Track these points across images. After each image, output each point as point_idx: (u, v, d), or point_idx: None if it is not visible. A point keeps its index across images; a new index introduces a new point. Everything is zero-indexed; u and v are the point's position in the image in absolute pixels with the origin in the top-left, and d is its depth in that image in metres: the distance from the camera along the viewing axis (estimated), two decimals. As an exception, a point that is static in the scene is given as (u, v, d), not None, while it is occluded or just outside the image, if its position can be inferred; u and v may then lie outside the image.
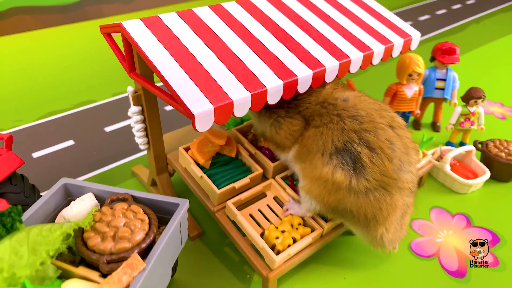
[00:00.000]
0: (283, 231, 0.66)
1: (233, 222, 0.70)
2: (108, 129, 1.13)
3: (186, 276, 0.70)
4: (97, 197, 0.61)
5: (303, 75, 0.65)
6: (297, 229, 0.67)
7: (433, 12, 2.14)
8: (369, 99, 0.69)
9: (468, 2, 2.31)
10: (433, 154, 0.94)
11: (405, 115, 1.02)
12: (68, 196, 0.63)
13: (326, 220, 0.69)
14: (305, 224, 0.69)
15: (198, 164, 0.75)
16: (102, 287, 0.46)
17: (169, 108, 1.22)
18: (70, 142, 1.07)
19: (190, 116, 0.54)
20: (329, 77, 0.70)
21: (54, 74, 1.44)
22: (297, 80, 0.64)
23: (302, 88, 0.66)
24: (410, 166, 0.61)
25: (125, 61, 0.71)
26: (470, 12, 2.13)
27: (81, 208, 0.57)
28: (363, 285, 0.69)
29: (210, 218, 0.82)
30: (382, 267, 0.72)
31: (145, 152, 1.03)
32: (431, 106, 1.15)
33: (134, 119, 0.73)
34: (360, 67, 0.75)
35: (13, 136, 1.07)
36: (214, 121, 0.57)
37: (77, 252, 0.53)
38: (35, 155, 1.01)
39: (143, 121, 0.74)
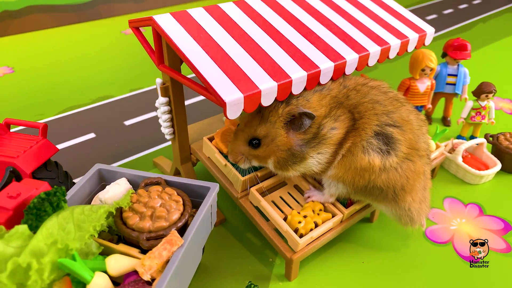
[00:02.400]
0: (305, 216, 0.69)
1: (256, 208, 0.73)
2: (127, 122, 1.16)
3: (211, 260, 0.73)
4: (130, 182, 0.64)
5: (326, 67, 0.68)
6: (318, 214, 0.70)
7: (440, 11, 2.17)
8: (375, 82, 0.73)
9: (475, 2, 2.34)
10: (445, 146, 0.97)
11: (417, 109, 1.05)
12: (102, 181, 0.67)
13: (345, 207, 0.73)
14: (325, 210, 0.72)
15: (221, 153, 0.78)
16: (143, 261, 0.49)
17: (188, 102, 1.26)
18: (91, 135, 1.10)
19: (222, 104, 0.58)
20: (349, 70, 0.73)
21: (69, 71, 1.48)
22: (319, 71, 0.67)
23: (324, 79, 0.69)
24: (423, 137, 0.68)
25: (154, 54, 0.74)
26: (476, 12, 2.16)
27: (117, 191, 0.61)
28: (381, 268, 0.72)
29: (231, 206, 0.85)
30: (398, 252, 0.75)
31: (164, 144, 1.06)
32: (441, 101, 1.18)
33: (161, 109, 0.76)
34: (378, 61, 0.78)
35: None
36: (243, 109, 0.60)
37: (117, 231, 0.56)
38: (59, 147, 1.04)
39: (170, 112, 0.78)
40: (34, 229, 0.50)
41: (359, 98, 0.68)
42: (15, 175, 0.59)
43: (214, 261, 0.73)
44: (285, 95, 0.64)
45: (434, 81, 1.02)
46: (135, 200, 0.57)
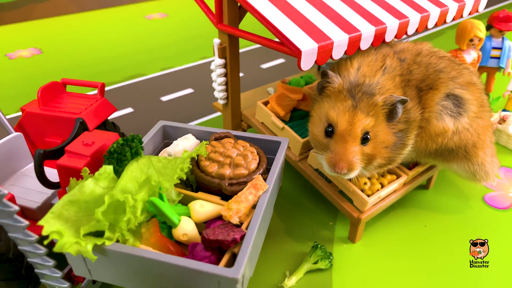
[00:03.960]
0: (369, 178, 0.68)
1: (317, 171, 0.72)
2: (164, 98, 1.15)
3: (271, 226, 0.71)
4: (196, 138, 0.63)
5: (391, 24, 0.66)
6: (382, 176, 0.69)
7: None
8: (424, 45, 0.71)
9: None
10: (493, 118, 0.96)
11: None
12: (165, 139, 0.65)
13: (409, 168, 0.71)
14: (389, 172, 0.71)
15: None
16: (230, 205, 0.48)
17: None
18: (129, 109, 1.09)
19: (297, 54, 0.56)
20: (411, 29, 0.71)
21: (97, 53, 1.46)
22: (386, 28, 0.66)
23: (388, 37, 0.68)
24: (484, 93, 0.69)
25: (211, 14, 0.73)
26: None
27: (187, 144, 0.59)
28: (444, 232, 0.71)
29: (284, 172, 0.84)
30: (460, 216, 0.74)
31: (205, 118, 1.05)
32: (483, 77, 1.17)
33: (217, 72, 0.75)
34: (436, 24, 0.77)
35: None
36: (315, 61, 0.59)
37: (193, 181, 0.55)
38: (99, 120, 1.03)
39: (225, 75, 0.76)
40: (115, 173, 0.49)
41: (423, 72, 0.65)
42: (84, 128, 0.57)
43: (274, 227, 0.71)
44: (354, 49, 0.63)
45: (480, 53, 1.00)
46: (210, 150, 0.55)
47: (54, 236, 0.40)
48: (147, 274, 0.43)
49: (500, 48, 1.04)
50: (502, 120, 0.94)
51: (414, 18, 0.70)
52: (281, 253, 0.66)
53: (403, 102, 0.58)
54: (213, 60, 0.75)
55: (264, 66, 1.35)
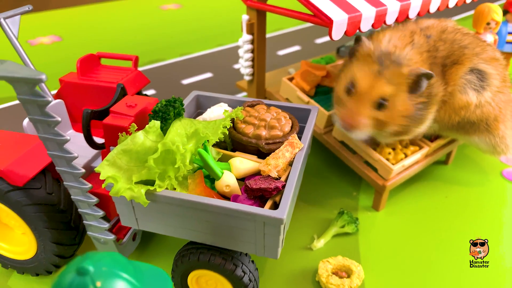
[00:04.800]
0: (393, 149, 0.70)
1: (342, 142, 0.74)
2: (185, 82, 1.18)
3: (297, 196, 0.73)
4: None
5: (415, 1, 0.69)
6: (405, 147, 0.71)
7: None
8: (447, 22, 0.73)
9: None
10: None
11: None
12: (198, 108, 0.68)
13: (431, 141, 0.74)
14: (412, 143, 0.73)
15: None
16: (268, 161, 0.50)
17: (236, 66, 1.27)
18: (152, 91, 1.12)
19: (328, 24, 0.59)
20: (433, 7, 0.74)
21: (115, 40, 1.49)
22: (410, 4, 0.69)
23: (412, 13, 0.70)
24: (507, 69, 0.71)
25: (240, -9, 0.76)
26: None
27: (221, 111, 0.62)
28: (463, 203, 0.73)
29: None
30: (479, 189, 0.76)
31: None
32: (497, 63, 1.19)
33: (244, 48, 0.78)
34: (456, 3, 0.79)
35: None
36: (345, 32, 0.62)
37: (234, 140, 0.57)
38: (123, 100, 1.06)
39: (252, 51, 0.79)
40: (161, 130, 0.51)
41: (448, 48, 0.67)
42: (124, 93, 0.60)
43: (301, 197, 0.74)
44: (380, 23, 0.66)
45: (497, 37, 1.02)
46: (245, 115, 0.58)
47: (110, 181, 0.43)
48: (194, 221, 0.46)
49: (516, 33, 1.06)
50: (518, 101, 0.96)
51: (436, -4, 0.73)
52: (308, 219, 0.69)
53: (428, 76, 0.59)
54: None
55: (281, 53, 1.38)
